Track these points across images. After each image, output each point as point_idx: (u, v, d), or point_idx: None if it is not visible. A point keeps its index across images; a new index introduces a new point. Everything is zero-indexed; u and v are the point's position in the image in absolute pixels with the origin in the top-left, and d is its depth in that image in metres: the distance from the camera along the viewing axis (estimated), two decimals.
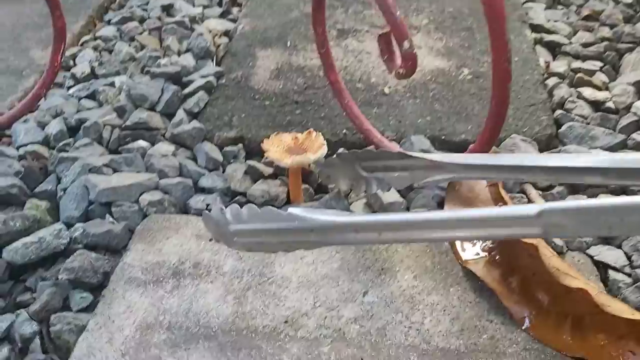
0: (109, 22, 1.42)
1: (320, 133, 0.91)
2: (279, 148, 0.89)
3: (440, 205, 0.89)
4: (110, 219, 0.87)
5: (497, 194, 0.86)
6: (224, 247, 0.82)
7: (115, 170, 0.95)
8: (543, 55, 1.20)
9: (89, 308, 0.77)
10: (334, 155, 0.84)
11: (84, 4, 1.47)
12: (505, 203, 0.84)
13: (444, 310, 0.74)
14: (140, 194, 0.90)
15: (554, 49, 1.23)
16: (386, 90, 1.10)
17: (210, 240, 0.83)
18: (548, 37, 1.25)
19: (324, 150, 0.87)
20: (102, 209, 0.89)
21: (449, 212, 0.58)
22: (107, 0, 1.51)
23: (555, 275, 0.72)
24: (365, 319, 0.73)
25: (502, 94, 0.74)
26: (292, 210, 0.62)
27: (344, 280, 0.78)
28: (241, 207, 0.92)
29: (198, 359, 0.68)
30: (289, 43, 1.26)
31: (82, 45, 1.33)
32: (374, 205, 0.89)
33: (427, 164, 0.76)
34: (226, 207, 0.65)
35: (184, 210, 0.92)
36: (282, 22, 1.34)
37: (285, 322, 0.73)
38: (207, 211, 0.67)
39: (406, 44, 0.77)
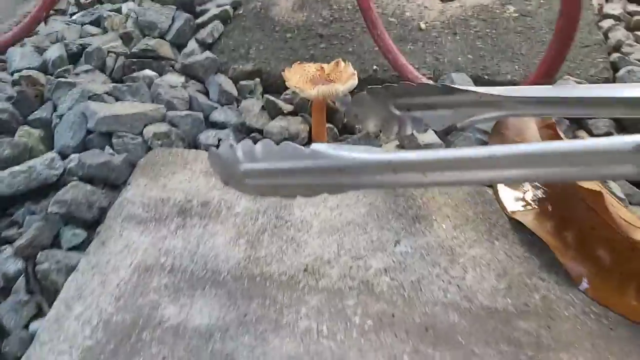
0: None
1: (349, 63, 0.80)
2: (302, 78, 0.78)
3: None
4: (110, 151, 0.77)
5: (552, 136, 0.75)
6: None
7: (118, 99, 0.85)
8: None
9: (82, 246, 0.68)
10: (364, 91, 0.73)
11: None
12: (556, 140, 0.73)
13: (489, 265, 0.64)
14: (145, 126, 0.80)
15: None
16: (422, 25, 0.99)
17: None
18: None
19: (354, 81, 0.76)
20: (102, 139, 0.79)
21: (518, 147, 0.47)
22: None
23: (623, 228, 0.62)
24: (397, 271, 0.63)
25: (573, 9, 0.63)
26: (315, 146, 0.51)
27: (373, 228, 0.68)
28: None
29: (203, 306, 0.59)
30: None
31: None
32: (408, 148, 0.78)
33: (474, 99, 0.65)
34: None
35: (193, 145, 0.82)
36: None
37: (305, 270, 0.63)
38: (213, 148, 0.57)
39: None
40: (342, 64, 0.80)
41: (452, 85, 0.67)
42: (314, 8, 1.05)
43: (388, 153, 0.51)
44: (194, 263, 0.63)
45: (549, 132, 0.76)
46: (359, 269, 0.63)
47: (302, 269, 0.63)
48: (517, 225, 0.69)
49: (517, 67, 0.89)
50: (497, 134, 0.79)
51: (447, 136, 0.81)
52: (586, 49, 0.93)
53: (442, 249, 0.66)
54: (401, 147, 0.79)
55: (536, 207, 0.70)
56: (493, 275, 0.63)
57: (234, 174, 0.55)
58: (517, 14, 1.00)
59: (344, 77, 0.77)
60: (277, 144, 0.80)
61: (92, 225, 0.69)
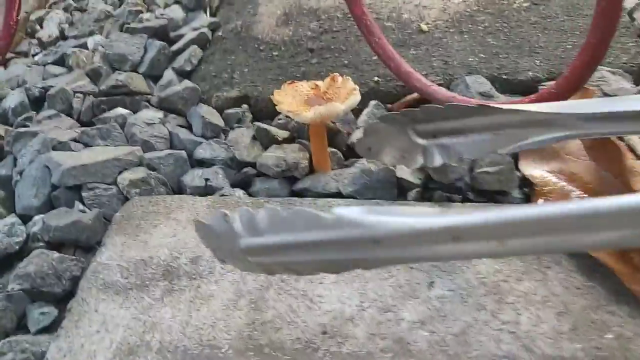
0: None
1: (347, 77, 0.69)
2: (295, 99, 0.68)
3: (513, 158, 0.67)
4: (80, 207, 0.66)
5: (599, 139, 0.64)
6: None
7: (87, 145, 0.74)
8: None
9: (53, 327, 0.56)
10: (377, 120, 0.62)
11: None
12: (609, 147, 0.62)
13: (545, 302, 0.53)
14: (119, 173, 0.69)
15: None
16: (423, 26, 0.88)
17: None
18: None
19: (356, 97, 0.66)
20: (70, 194, 0.67)
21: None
22: None
23: None
24: (436, 322, 0.52)
25: None
26: (341, 211, 0.38)
27: (399, 269, 0.56)
28: (250, 182, 0.72)
29: None
30: None
31: (50, 7, 1.12)
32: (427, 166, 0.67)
33: (521, 118, 0.54)
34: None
35: (177, 189, 0.71)
36: None
37: (324, 332, 0.51)
38: (201, 220, 0.45)
39: None
40: (340, 78, 0.69)
41: (491, 104, 0.55)
42: (300, 21, 0.94)
43: (443, 215, 0.36)
44: (187, 337, 0.51)
45: None
46: (390, 324, 0.52)
47: (319, 332, 0.51)
48: None
49: (537, 61, 0.78)
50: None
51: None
52: None
53: (485, 288, 0.54)
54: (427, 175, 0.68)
55: None
56: (552, 314, 0.52)
57: (232, 250, 0.43)
58: (527, 4, 0.89)
59: (343, 94, 0.66)
60: (275, 178, 0.70)
61: (63, 300, 0.58)
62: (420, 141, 0.60)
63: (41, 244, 0.62)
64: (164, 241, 0.61)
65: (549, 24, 0.84)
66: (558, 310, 0.52)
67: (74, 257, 0.61)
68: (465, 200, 0.66)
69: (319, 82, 0.70)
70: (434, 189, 0.67)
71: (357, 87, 0.67)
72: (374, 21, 0.78)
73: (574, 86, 0.58)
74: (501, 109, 0.53)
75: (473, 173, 0.66)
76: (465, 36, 0.85)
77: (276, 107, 0.67)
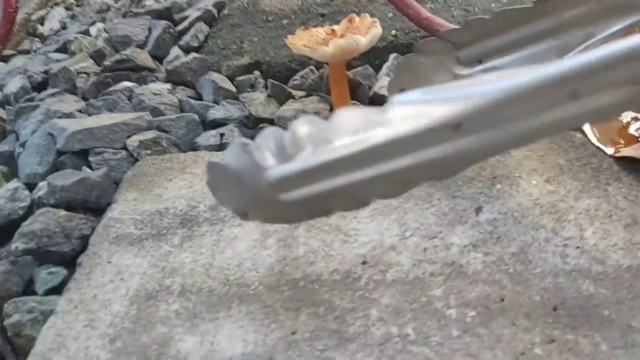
0: None
1: (365, 14, 0.65)
2: (310, 42, 0.63)
3: None
4: (88, 171, 0.61)
5: None
6: None
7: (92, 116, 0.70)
8: None
9: (63, 287, 0.50)
10: (412, 52, 0.55)
11: None
12: None
13: (611, 216, 0.47)
14: (128, 137, 0.65)
15: None
16: None
17: None
18: None
19: (378, 30, 0.61)
20: (76, 160, 0.63)
21: None
22: None
23: None
24: (490, 244, 0.46)
25: None
26: (401, 98, 0.30)
27: (440, 199, 0.51)
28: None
29: (234, 331, 0.41)
30: None
31: (52, 7, 1.10)
32: None
33: (594, 7, 0.46)
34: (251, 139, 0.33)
35: (191, 151, 0.66)
36: None
37: (364, 262, 0.46)
38: (213, 159, 0.35)
39: None
40: (357, 18, 0.65)
41: None
42: None
43: (555, 64, 0.27)
44: (211, 278, 0.46)
45: None
46: (437, 250, 0.46)
47: (359, 262, 0.46)
48: (628, 165, 0.52)
49: None
50: None
51: None
52: None
53: (540, 208, 0.48)
54: None
55: None
56: (620, 226, 0.46)
57: (255, 193, 0.32)
58: None
59: (364, 30, 0.62)
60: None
61: (72, 260, 0.52)
62: (465, 71, 0.54)
63: (47, 208, 0.57)
64: (180, 193, 0.55)
65: None
66: (626, 223, 0.46)
67: (83, 216, 0.56)
68: None
69: (335, 26, 0.66)
70: None
71: (376, 20, 0.62)
72: None
73: None
74: (563, 0, 0.46)
75: None
76: None
77: (291, 47, 0.62)
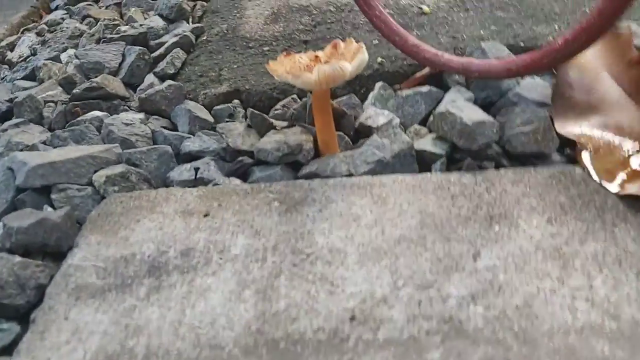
0: (56, 8, 1.14)
1: (351, 39, 0.61)
2: (293, 69, 0.59)
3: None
4: (50, 210, 0.56)
5: None
6: (230, 222, 0.51)
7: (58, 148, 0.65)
8: None
9: (14, 347, 0.45)
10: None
11: None
12: None
13: (620, 262, 0.43)
14: (95, 172, 0.60)
15: None
16: (425, 8, 0.81)
17: (207, 215, 0.52)
18: None
19: (364, 55, 0.57)
20: (37, 197, 0.58)
21: None
22: None
23: None
24: (491, 295, 0.41)
25: None
26: None
27: (434, 242, 0.46)
28: (247, 172, 0.62)
29: None
30: None
31: (22, 32, 1.05)
32: (450, 133, 0.58)
33: None
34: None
35: (163, 187, 0.61)
36: None
37: (352, 318, 0.41)
38: None
39: None
40: (342, 44, 0.61)
41: None
42: (290, 18, 0.87)
43: None
44: (180, 339, 0.41)
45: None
46: (433, 302, 0.41)
47: (347, 318, 0.41)
48: (634, 203, 0.48)
49: (557, 26, 0.71)
50: (560, 98, 0.59)
51: (495, 113, 0.61)
52: None
53: (543, 253, 0.44)
54: (441, 137, 0.59)
55: None
56: (632, 274, 0.42)
57: None
58: None
59: (349, 56, 0.58)
60: (276, 163, 0.60)
61: (27, 314, 0.47)
62: None
63: (2, 253, 0.52)
64: (148, 235, 0.50)
65: None
66: (637, 270, 0.42)
67: (41, 262, 0.50)
68: (498, 166, 0.56)
69: (319, 52, 0.62)
70: (461, 159, 0.57)
71: (362, 45, 0.58)
72: None
73: (618, 7, 0.49)
74: None
75: (504, 135, 0.57)
76: (472, 13, 0.78)
77: (273, 74, 0.58)
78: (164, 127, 0.71)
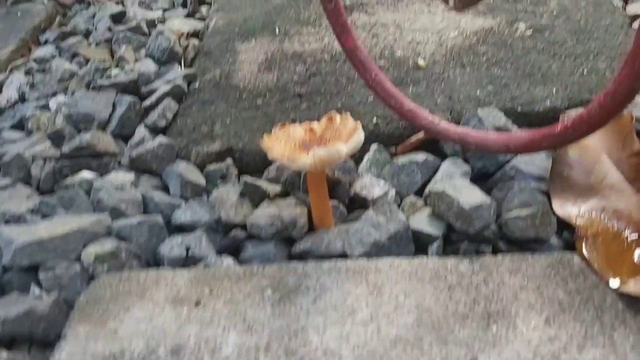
0: (46, 42, 1.12)
1: (347, 115, 0.60)
2: (287, 145, 0.58)
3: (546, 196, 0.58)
4: (37, 292, 0.55)
5: None
6: (221, 314, 0.50)
7: (46, 217, 0.64)
8: None
9: None
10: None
11: (14, 28, 1.17)
12: None
13: None
14: (84, 246, 0.58)
15: None
16: (421, 62, 0.80)
17: (198, 304, 0.51)
18: None
19: (360, 136, 0.56)
20: (24, 277, 0.56)
21: None
22: (44, 20, 1.21)
23: None
24: None
25: None
26: None
27: (432, 344, 0.45)
28: (239, 247, 0.61)
29: None
30: (277, 30, 0.96)
31: (11, 71, 1.03)
32: (446, 214, 0.57)
33: None
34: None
35: (154, 262, 0.60)
36: (264, 10, 1.05)
37: None
38: None
39: None
40: (338, 117, 0.60)
41: None
42: (284, 66, 0.86)
43: None
44: None
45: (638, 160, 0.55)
46: None
47: None
48: (633, 303, 0.47)
49: (555, 89, 0.70)
50: (559, 177, 0.59)
51: (494, 190, 0.61)
52: None
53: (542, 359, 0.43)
54: (436, 214, 0.58)
55: None
56: None
57: None
58: (530, 31, 0.82)
59: (345, 134, 0.57)
60: (270, 239, 0.59)
61: None
62: None
63: None
64: (138, 328, 0.49)
65: (559, 50, 0.77)
66: None
67: (28, 354, 0.49)
68: (495, 251, 0.56)
69: (315, 124, 0.61)
70: (457, 240, 0.57)
71: (359, 124, 0.57)
72: (368, 55, 0.70)
73: (620, 103, 0.48)
74: None
75: (501, 219, 0.56)
76: (468, 69, 0.77)
77: (267, 154, 0.57)
78: (156, 187, 0.70)
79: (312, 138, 0.60)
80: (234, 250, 0.60)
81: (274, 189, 0.65)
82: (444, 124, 0.65)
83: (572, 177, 0.58)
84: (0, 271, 0.56)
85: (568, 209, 0.56)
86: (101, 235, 0.60)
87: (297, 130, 0.60)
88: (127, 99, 0.80)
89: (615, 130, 0.58)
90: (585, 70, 0.72)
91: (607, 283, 0.49)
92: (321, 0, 0.69)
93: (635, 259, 0.50)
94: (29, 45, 1.14)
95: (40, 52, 1.06)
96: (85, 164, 0.72)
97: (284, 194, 0.65)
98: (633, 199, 0.55)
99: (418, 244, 0.57)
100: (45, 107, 0.85)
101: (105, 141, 0.75)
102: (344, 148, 0.54)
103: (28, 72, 1.00)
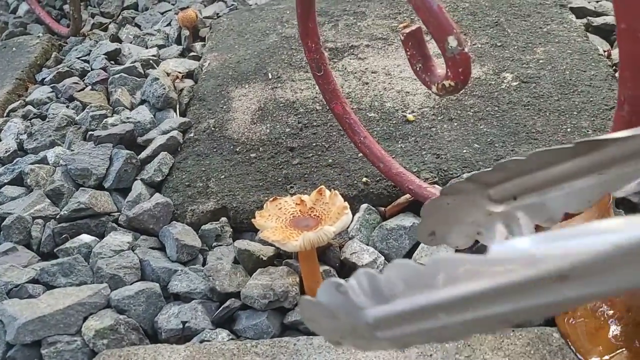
0: (42, 82, 1.14)
1: (335, 192, 0.62)
2: (279, 222, 0.60)
3: None
4: None
5: None
6: None
7: (47, 286, 0.66)
8: (598, 42, 0.93)
9: None
10: (441, 193, 0.50)
11: (10, 66, 1.19)
12: None
13: None
14: (84, 319, 0.61)
15: (610, 33, 0.96)
16: (409, 116, 0.82)
17: None
18: (597, 21, 0.97)
19: (348, 217, 0.58)
20: (27, 352, 0.59)
21: None
22: (40, 57, 1.23)
23: None
24: None
25: None
26: (503, 247, 0.28)
27: None
28: (234, 316, 0.64)
29: None
30: (270, 75, 0.98)
31: (8, 115, 1.05)
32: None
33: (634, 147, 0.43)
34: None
35: (151, 332, 0.62)
36: (257, 50, 1.06)
37: None
38: (309, 298, 0.33)
39: (452, 41, 0.50)
40: (327, 192, 0.62)
41: (590, 139, 0.44)
42: (277, 117, 0.88)
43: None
44: None
45: None
46: None
47: None
48: None
49: (537, 148, 0.72)
50: None
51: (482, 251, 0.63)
52: (612, 111, 0.77)
53: None
54: None
55: (624, 348, 0.52)
56: None
57: (353, 327, 0.34)
58: (517, 82, 0.84)
59: (333, 212, 0.59)
60: (263, 310, 0.61)
61: None
62: (498, 208, 0.48)
63: None
64: None
65: (543, 105, 0.79)
66: None
67: None
68: None
69: (305, 197, 0.63)
70: None
71: (347, 205, 0.59)
72: (356, 119, 0.72)
73: None
74: (603, 140, 0.42)
75: None
76: (455, 124, 0.79)
77: (259, 233, 0.59)
78: (153, 248, 0.72)
79: (303, 210, 0.62)
80: (229, 319, 0.62)
81: (266, 251, 0.68)
82: (430, 189, 0.67)
83: None
84: (4, 347, 0.59)
85: None
86: (100, 307, 0.62)
87: (288, 203, 0.62)
88: (124, 153, 0.82)
89: (595, 209, 0.60)
90: (569, 128, 0.74)
91: None
92: (311, 69, 0.71)
93: (610, 335, 0.53)
94: (26, 84, 1.15)
95: (37, 93, 1.07)
96: (84, 226, 0.74)
97: (276, 256, 0.68)
98: None
99: None
100: (43, 160, 0.87)
101: (103, 201, 0.77)
102: (331, 229, 0.56)
103: (25, 116, 1.02)
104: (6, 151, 0.91)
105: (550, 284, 0.27)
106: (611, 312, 0.55)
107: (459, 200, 0.48)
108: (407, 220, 0.68)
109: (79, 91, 1.04)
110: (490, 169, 0.44)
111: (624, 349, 0.52)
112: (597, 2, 1.04)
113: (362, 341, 0.34)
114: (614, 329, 0.53)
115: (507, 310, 0.29)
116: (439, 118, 0.81)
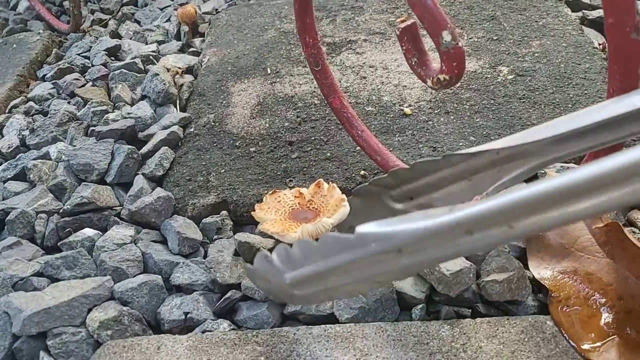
0: (43, 78, 1.15)
1: (333, 184, 0.63)
2: (278, 214, 0.61)
3: (521, 260, 0.61)
4: (46, 359, 0.58)
5: (614, 234, 0.58)
6: None
7: (51, 279, 0.67)
8: (593, 35, 0.94)
9: None
10: (352, 194, 0.58)
11: (11, 62, 1.20)
12: (626, 245, 0.57)
13: None
14: (89, 311, 0.62)
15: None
16: (406, 110, 0.83)
17: None
18: (592, 14, 0.98)
19: (345, 209, 0.60)
20: (33, 344, 0.60)
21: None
22: (41, 54, 1.24)
23: None
24: None
25: None
26: (361, 229, 0.38)
27: None
28: (235, 307, 0.65)
29: None
30: (269, 70, 0.99)
31: (10, 111, 1.06)
32: (429, 277, 0.60)
33: (493, 157, 0.50)
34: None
35: (155, 322, 0.64)
36: (256, 45, 1.07)
37: None
38: (249, 265, 0.44)
39: (446, 36, 0.51)
40: (325, 185, 0.63)
41: (455, 153, 0.51)
42: (275, 111, 0.89)
43: (454, 211, 0.35)
44: None
45: (605, 231, 0.59)
46: None
47: None
48: None
49: None
50: (535, 237, 0.62)
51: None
52: None
53: None
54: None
55: (616, 335, 0.53)
56: None
57: (280, 288, 0.44)
58: (512, 76, 0.85)
59: (331, 205, 0.61)
60: (263, 301, 0.63)
61: None
62: (399, 206, 0.56)
63: None
64: None
65: (539, 98, 0.80)
66: None
67: None
68: (475, 314, 0.59)
69: (303, 190, 0.64)
70: (439, 302, 0.60)
71: (344, 197, 0.61)
72: (354, 113, 0.73)
73: None
74: (465, 154, 0.49)
75: (480, 281, 0.60)
76: (452, 117, 0.80)
77: (259, 226, 0.60)
78: (155, 241, 0.73)
79: (302, 202, 0.63)
80: (230, 310, 0.64)
81: (266, 243, 0.69)
82: None
83: (547, 237, 0.62)
84: (10, 339, 0.60)
85: (543, 269, 0.60)
86: (104, 299, 0.64)
87: (287, 196, 0.64)
88: (125, 148, 0.83)
89: None
90: None
91: (577, 348, 0.52)
92: (308, 64, 0.72)
93: (602, 323, 0.54)
94: (27, 80, 1.16)
95: (38, 90, 1.08)
96: (87, 220, 0.75)
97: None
98: (602, 262, 0.58)
99: (402, 304, 0.61)
100: (46, 155, 0.88)
101: (105, 195, 0.78)
102: (329, 220, 0.57)
103: (27, 113, 1.03)
104: (9, 147, 0.93)
105: (392, 255, 0.37)
106: (603, 300, 0.56)
107: (368, 199, 0.57)
108: None
109: (79, 87, 1.06)
110: (385, 175, 0.54)
111: (615, 336, 0.53)
112: None
113: (287, 297, 0.45)
114: (606, 317, 0.55)
115: (372, 273, 0.39)
116: (436, 111, 0.82)
